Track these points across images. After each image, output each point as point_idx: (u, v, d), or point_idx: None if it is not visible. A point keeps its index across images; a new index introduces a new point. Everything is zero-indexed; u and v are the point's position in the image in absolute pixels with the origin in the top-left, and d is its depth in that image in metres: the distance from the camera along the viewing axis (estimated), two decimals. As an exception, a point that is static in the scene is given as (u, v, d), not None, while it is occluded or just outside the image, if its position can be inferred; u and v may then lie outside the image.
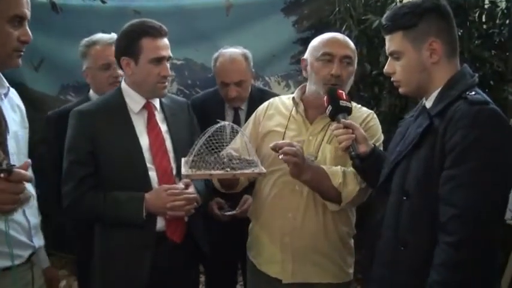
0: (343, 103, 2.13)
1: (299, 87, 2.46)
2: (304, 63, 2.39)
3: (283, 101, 2.48)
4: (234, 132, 2.29)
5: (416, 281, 1.69)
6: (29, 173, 1.63)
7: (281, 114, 2.42)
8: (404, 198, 1.78)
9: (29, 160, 1.64)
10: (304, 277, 2.31)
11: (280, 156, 2.06)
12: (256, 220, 2.48)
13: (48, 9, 4.12)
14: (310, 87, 2.37)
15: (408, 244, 1.76)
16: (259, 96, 3.06)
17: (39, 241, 1.99)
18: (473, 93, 1.70)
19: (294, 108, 2.39)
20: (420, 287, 1.66)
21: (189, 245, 2.42)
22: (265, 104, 2.52)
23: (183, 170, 2.08)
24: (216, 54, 3.09)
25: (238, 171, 2.07)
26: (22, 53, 1.81)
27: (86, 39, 3.00)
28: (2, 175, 1.52)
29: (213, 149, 2.15)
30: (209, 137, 2.13)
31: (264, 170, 2.10)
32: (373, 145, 2.08)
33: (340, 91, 2.17)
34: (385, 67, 1.93)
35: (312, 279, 2.32)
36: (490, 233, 1.61)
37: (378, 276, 1.89)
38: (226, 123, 2.20)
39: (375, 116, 2.39)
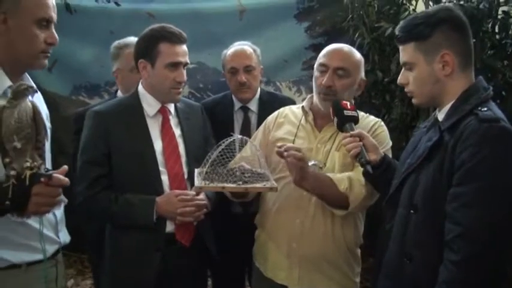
0: (347, 113, 2.15)
1: (308, 96, 2.48)
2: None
3: (293, 110, 2.51)
4: (244, 144, 2.32)
5: None
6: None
7: (291, 123, 2.44)
8: (412, 211, 1.76)
9: (66, 166, 1.70)
10: (310, 284, 2.30)
11: (285, 154, 2.08)
12: (263, 226, 2.47)
13: (62, 11, 4.15)
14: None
15: (413, 258, 1.74)
16: (269, 99, 3.10)
17: (65, 237, 2.03)
18: (485, 109, 1.66)
19: (303, 117, 2.41)
20: None
21: (198, 249, 2.43)
22: (275, 113, 2.54)
23: (197, 182, 2.11)
24: (225, 50, 3.15)
25: (250, 185, 2.09)
26: (48, 55, 1.88)
27: (118, 41, 3.05)
28: (42, 180, 1.60)
29: (224, 160, 2.18)
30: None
31: (276, 185, 2.11)
32: (383, 154, 2.09)
33: (344, 102, 2.19)
34: (399, 78, 1.90)
35: (319, 286, 2.31)
36: (496, 253, 1.57)
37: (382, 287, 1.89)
38: (239, 136, 2.22)
39: (383, 123, 2.39)
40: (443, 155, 1.68)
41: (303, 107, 2.43)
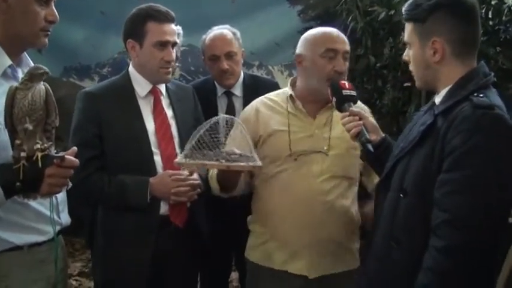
0: (346, 92, 2.10)
1: (289, 82, 2.40)
2: (300, 59, 2.32)
3: (272, 99, 2.39)
4: (229, 125, 2.24)
5: (407, 279, 1.66)
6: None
7: (277, 113, 2.34)
8: (402, 195, 1.74)
9: (75, 148, 1.71)
10: (325, 269, 2.24)
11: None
12: (264, 224, 2.35)
13: (53, -10, 4.10)
14: (307, 82, 2.31)
15: (401, 242, 1.73)
16: (252, 83, 3.03)
17: (66, 218, 2.01)
18: (481, 95, 1.63)
19: (289, 104, 2.33)
20: (409, 285, 1.63)
21: (192, 230, 2.42)
22: (248, 110, 2.41)
23: (178, 158, 2.06)
24: (203, 36, 3.04)
25: (233, 163, 2.02)
26: (49, 33, 1.87)
27: None
28: (55, 161, 1.61)
29: (210, 142, 2.10)
30: (207, 130, 2.09)
31: (260, 163, 2.04)
32: (383, 135, 2.05)
33: (343, 82, 2.14)
34: (404, 54, 1.88)
35: (332, 270, 2.25)
36: (482, 242, 1.55)
37: (370, 270, 1.88)
38: (225, 116, 2.20)
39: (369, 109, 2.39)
40: (435, 140, 1.65)
41: (290, 95, 2.33)
